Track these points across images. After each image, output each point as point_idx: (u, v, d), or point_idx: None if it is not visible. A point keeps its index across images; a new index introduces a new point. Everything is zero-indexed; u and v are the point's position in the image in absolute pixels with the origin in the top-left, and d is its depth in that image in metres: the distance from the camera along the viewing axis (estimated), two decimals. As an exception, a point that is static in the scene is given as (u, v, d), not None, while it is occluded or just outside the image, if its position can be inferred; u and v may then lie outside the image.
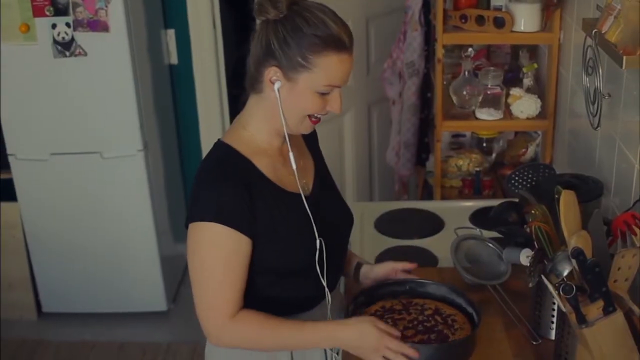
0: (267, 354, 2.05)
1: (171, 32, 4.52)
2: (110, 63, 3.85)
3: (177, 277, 4.64)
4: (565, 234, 1.82)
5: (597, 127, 2.48)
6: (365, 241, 2.85)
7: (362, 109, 4.49)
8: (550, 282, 1.81)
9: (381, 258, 2.78)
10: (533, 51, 3.77)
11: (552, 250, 1.91)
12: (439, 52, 3.47)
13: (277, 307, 1.96)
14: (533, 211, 1.98)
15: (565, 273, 1.81)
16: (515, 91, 3.48)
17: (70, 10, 3.70)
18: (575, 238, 1.77)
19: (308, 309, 2.06)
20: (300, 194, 1.97)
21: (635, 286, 1.92)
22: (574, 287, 1.73)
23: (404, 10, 4.05)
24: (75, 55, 3.79)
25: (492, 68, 3.59)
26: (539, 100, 3.45)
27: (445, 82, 3.63)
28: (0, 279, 4.27)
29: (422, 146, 4.33)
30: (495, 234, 2.31)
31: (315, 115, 1.90)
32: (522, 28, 3.32)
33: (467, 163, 3.74)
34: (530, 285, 1.98)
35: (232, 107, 4.77)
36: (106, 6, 3.70)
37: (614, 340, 1.76)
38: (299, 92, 1.85)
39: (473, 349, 2.00)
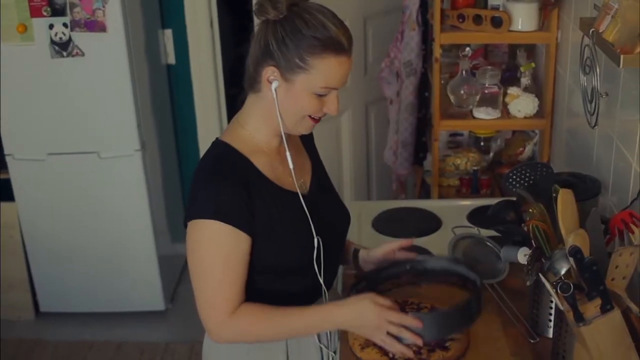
0: (265, 354, 2.05)
1: (168, 32, 4.52)
2: (107, 63, 3.85)
3: (175, 276, 4.64)
4: (563, 232, 1.82)
5: (594, 126, 2.48)
6: (362, 240, 2.84)
7: (359, 108, 4.50)
8: (548, 281, 1.81)
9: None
10: (530, 50, 3.77)
11: (549, 249, 1.91)
12: (437, 51, 3.47)
13: (275, 305, 1.97)
14: (531, 210, 1.98)
15: (563, 271, 1.81)
16: (512, 90, 3.48)
17: (68, 11, 3.70)
18: (573, 236, 1.77)
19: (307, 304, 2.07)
20: (297, 193, 1.97)
21: (633, 284, 1.92)
22: (572, 285, 1.73)
23: (402, 10, 4.05)
24: (73, 56, 3.79)
25: (489, 67, 3.59)
26: (536, 100, 3.45)
27: (442, 82, 3.63)
28: (-2, 279, 4.28)
29: (420, 145, 4.33)
30: (493, 233, 2.31)
31: (313, 116, 1.91)
32: (519, 27, 3.33)
33: (464, 162, 3.74)
34: (528, 283, 1.98)
35: (229, 106, 4.77)
36: (103, 6, 3.70)
37: (612, 338, 1.77)
38: (296, 93, 1.86)
39: (479, 313, 1.98)
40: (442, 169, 3.77)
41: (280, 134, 1.95)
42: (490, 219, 2.28)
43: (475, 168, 3.71)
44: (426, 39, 4.05)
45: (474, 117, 3.51)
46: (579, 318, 1.74)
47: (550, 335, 2.06)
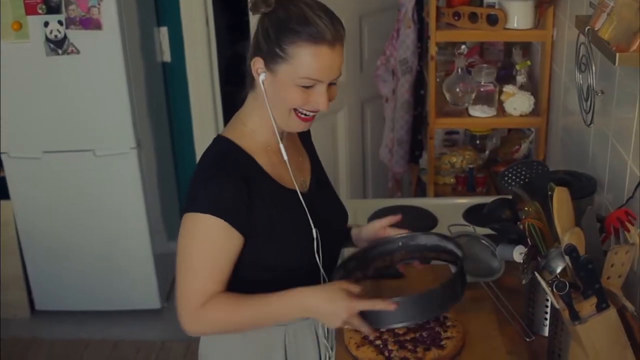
0: (261, 351, 2.05)
1: (164, 30, 4.51)
2: (103, 61, 3.85)
3: (170, 275, 4.63)
4: (559, 230, 1.82)
5: (590, 124, 2.48)
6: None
7: (355, 106, 4.49)
8: (544, 279, 1.81)
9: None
10: (526, 48, 3.77)
11: (545, 247, 1.91)
12: (432, 49, 3.47)
13: None
14: (526, 208, 1.98)
15: (559, 270, 1.81)
16: (508, 88, 3.49)
17: (63, 8, 3.70)
18: (569, 235, 1.77)
19: None
20: (297, 192, 1.98)
21: (629, 283, 1.92)
22: (567, 284, 1.73)
23: (397, 8, 4.05)
24: (68, 53, 3.79)
25: (485, 65, 3.59)
26: (532, 98, 3.45)
27: (438, 80, 3.63)
28: (-7, 278, 4.27)
29: (416, 143, 4.33)
30: (488, 231, 2.31)
31: (301, 110, 1.89)
32: (515, 25, 3.33)
33: (460, 160, 3.74)
34: (524, 282, 1.98)
35: (225, 104, 4.76)
36: (98, 4, 3.69)
37: (607, 336, 1.77)
38: (280, 84, 1.86)
39: (462, 291, 1.94)
40: (438, 167, 3.77)
41: (280, 131, 1.96)
42: (486, 217, 2.28)
43: (471, 166, 3.71)
44: (422, 37, 4.05)
45: (469, 115, 3.51)
46: (575, 316, 1.74)
47: (546, 334, 2.06)
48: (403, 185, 4.53)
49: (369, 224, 2.22)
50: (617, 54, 1.92)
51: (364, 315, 1.84)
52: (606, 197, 2.44)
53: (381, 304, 1.82)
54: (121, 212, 4.17)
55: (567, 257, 1.75)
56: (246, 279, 1.93)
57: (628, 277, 1.87)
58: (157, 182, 4.41)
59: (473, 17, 3.35)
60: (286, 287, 1.98)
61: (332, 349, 2.10)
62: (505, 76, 3.69)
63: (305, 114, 1.91)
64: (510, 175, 2.48)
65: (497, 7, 3.35)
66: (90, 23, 3.73)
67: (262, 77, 1.88)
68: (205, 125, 4.72)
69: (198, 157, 4.72)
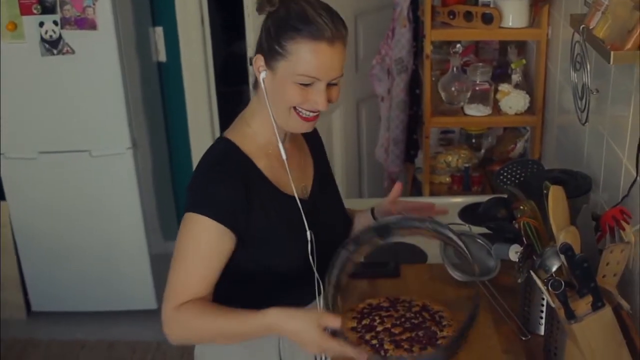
0: (256, 353, 2.05)
1: (159, 30, 4.51)
2: (98, 61, 3.85)
3: (166, 275, 4.61)
4: (554, 229, 1.82)
5: (585, 123, 2.48)
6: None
7: (350, 105, 4.49)
8: (539, 278, 1.82)
9: (371, 254, 2.78)
10: (521, 47, 3.77)
11: (540, 246, 1.91)
12: (427, 48, 3.47)
13: (272, 304, 1.97)
14: (522, 207, 1.98)
15: (554, 268, 1.81)
16: (503, 87, 3.49)
17: (58, 8, 3.70)
18: (564, 233, 1.77)
19: (303, 305, 2.07)
20: (296, 198, 1.97)
21: (624, 281, 1.92)
22: (563, 282, 1.73)
23: (392, 7, 4.05)
24: (63, 54, 3.79)
25: (480, 64, 3.59)
26: (527, 96, 3.46)
27: (433, 79, 3.63)
28: (-11, 279, 4.27)
29: (411, 142, 4.33)
30: (484, 230, 2.31)
31: (300, 109, 1.88)
32: (510, 24, 3.33)
33: (456, 159, 3.75)
34: (519, 281, 1.98)
35: (220, 104, 4.76)
36: (93, 4, 3.69)
37: (603, 335, 1.77)
38: (279, 81, 1.86)
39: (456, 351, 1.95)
40: (434, 166, 3.78)
41: (282, 133, 1.96)
42: (482, 216, 2.29)
43: (466, 165, 3.71)
44: (417, 36, 4.05)
45: (465, 114, 3.51)
46: (570, 315, 1.74)
47: (542, 333, 2.07)
48: (399, 184, 4.52)
49: (379, 205, 2.25)
50: (612, 53, 1.93)
51: None
52: (601, 196, 2.45)
53: (353, 351, 1.80)
54: (117, 213, 4.16)
55: (562, 256, 1.76)
56: (240, 279, 1.93)
57: (623, 276, 1.88)
58: (153, 182, 4.41)
59: (468, 15, 3.35)
60: (280, 289, 1.98)
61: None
62: (501, 75, 3.69)
63: (305, 114, 1.90)
64: (505, 174, 2.48)
65: (492, 5, 3.35)
66: (85, 23, 3.73)
67: (262, 75, 1.89)
68: (201, 125, 4.72)
69: (194, 156, 4.75)
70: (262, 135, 1.97)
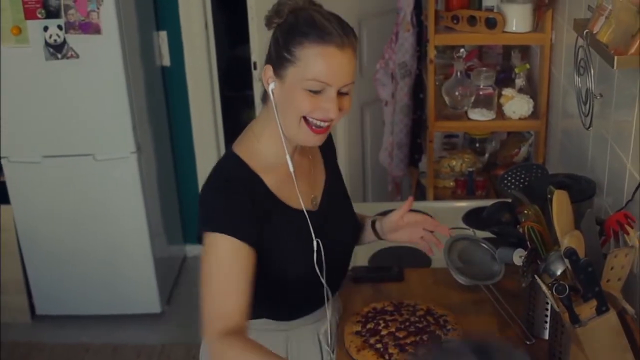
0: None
1: (163, 34, 4.52)
2: (102, 65, 3.85)
3: (171, 278, 4.64)
4: (558, 233, 1.82)
5: (589, 127, 2.48)
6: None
7: (354, 109, 4.50)
8: (544, 282, 1.82)
9: (375, 259, 2.79)
10: (525, 52, 3.78)
11: (545, 250, 1.91)
12: (431, 52, 3.48)
13: (281, 310, 1.97)
14: (526, 211, 1.98)
15: (559, 273, 1.81)
16: (507, 91, 3.49)
17: (62, 13, 3.70)
18: (568, 238, 1.77)
19: (309, 312, 2.08)
20: (305, 211, 1.96)
21: (628, 285, 1.92)
22: (567, 286, 1.73)
23: (396, 12, 4.05)
24: (67, 58, 3.79)
25: (484, 68, 3.59)
26: (531, 101, 3.46)
27: (437, 83, 3.63)
28: (-7, 282, 4.27)
29: (415, 147, 4.33)
30: (488, 234, 2.31)
31: (311, 120, 1.84)
32: (513, 28, 3.33)
33: (459, 163, 3.75)
34: (524, 285, 1.98)
35: (224, 108, 4.77)
36: (98, 8, 3.69)
37: (607, 339, 1.77)
38: (288, 89, 1.82)
39: None
40: (438, 171, 3.78)
41: (292, 146, 1.93)
42: (486, 221, 2.29)
43: (470, 169, 3.71)
44: (420, 41, 4.06)
45: (468, 119, 3.51)
46: (575, 319, 1.74)
47: (546, 337, 2.07)
48: (403, 188, 4.53)
49: (388, 216, 2.22)
50: (616, 57, 1.93)
51: None
52: (605, 200, 2.45)
53: None
54: (121, 216, 4.17)
55: (566, 260, 1.76)
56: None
57: (628, 280, 1.87)
58: (157, 186, 4.42)
59: (472, 20, 3.35)
60: (287, 297, 1.99)
61: (333, 352, 2.11)
62: (504, 79, 3.69)
63: (316, 125, 1.85)
64: (509, 178, 2.48)
65: (495, 10, 3.36)
66: (89, 27, 3.73)
67: (271, 86, 1.86)
68: (204, 129, 4.73)
69: (198, 160, 4.76)
70: (272, 149, 1.93)
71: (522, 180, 2.46)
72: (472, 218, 2.45)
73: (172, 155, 4.78)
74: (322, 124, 1.85)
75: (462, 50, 3.53)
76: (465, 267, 2.26)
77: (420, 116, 4.25)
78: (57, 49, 3.77)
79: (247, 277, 1.83)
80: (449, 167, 3.77)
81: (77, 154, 4.02)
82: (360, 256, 2.72)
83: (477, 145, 3.89)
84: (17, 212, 4.16)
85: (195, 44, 4.53)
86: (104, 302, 4.34)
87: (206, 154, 4.79)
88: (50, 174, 4.06)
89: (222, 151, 4.81)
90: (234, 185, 1.87)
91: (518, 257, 2.05)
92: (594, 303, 1.74)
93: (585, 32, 2.18)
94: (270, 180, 1.92)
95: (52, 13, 3.71)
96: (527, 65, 3.60)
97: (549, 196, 1.90)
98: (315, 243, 1.95)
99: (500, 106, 3.49)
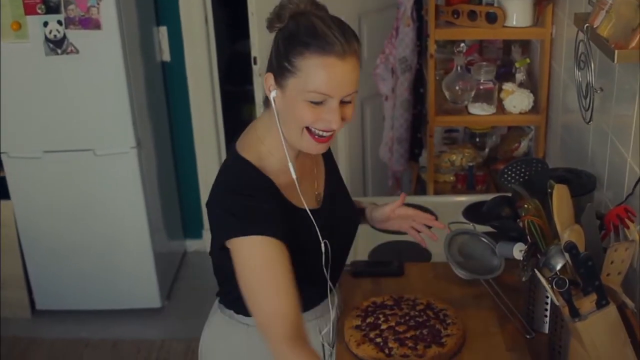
0: (264, 350, 2.05)
1: (163, 30, 4.52)
2: (102, 61, 3.85)
3: (171, 273, 4.64)
4: (558, 227, 1.82)
5: (589, 122, 2.48)
6: (359, 236, 2.82)
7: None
8: (544, 276, 1.82)
9: (375, 253, 2.79)
10: (525, 46, 3.77)
11: (545, 244, 1.92)
12: (431, 47, 3.47)
13: None
14: (526, 205, 1.99)
15: (559, 267, 1.81)
16: (507, 86, 3.49)
17: (62, 8, 3.70)
18: (568, 232, 1.77)
19: (312, 307, 2.09)
20: (312, 209, 1.96)
21: (628, 279, 1.92)
22: (567, 280, 1.73)
23: (396, 6, 4.05)
24: (67, 53, 3.79)
25: (484, 63, 3.59)
26: (531, 95, 3.46)
27: (437, 78, 3.63)
28: (-6, 277, 4.27)
29: (415, 141, 4.33)
30: (488, 229, 2.31)
31: (313, 130, 1.83)
32: (514, 23, 3.33)
33: (460, 158, 3.75)
34: (524, 279, 1.98)
35: (224, 103, 4.77)
36: (98, 4, 3.69)
37: (607, 333, 1.77)
38: (289, 100, 1.80)
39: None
40: (438, 165, 3.78)
41: (294, 148, 1.91)
42: (486, 215, 2.29)
43: (470, 164, 3.71)
44: (421, 35, 4.05)
45: (469, 113, 3.51)
46: (575, 313, 1.74)
47: (546, 331, 2.07)
48: (403, 183, 4.53)
49: (380, 207, 2.27)
50: (616, 51, 1.92)
51: None
52: (606, 194, 2.45)
53: None
54: (121, 212, 4.17)
55: (567, 254, 1.76)
56: None
57: (628, 274, 1.88)
58: (157, 181, 4.42)
59: (472, 15, 3.35)
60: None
61: (333, 347, 2.11)
62: (505, 74, 3.69)
63: (319, 135, 1.84)
64: (509, 172, 2.48)
65: (496, 5, 3.35)
66: (89, 23, 3.73)
67: (273, 94, 1.83)
68: (205, 124, 4.73)
69: (198, 156, 4.75)
70: (276, 153, 1.92)
71: (522, 175, 2.46)
72: (472, 212, 2.46)
73: (172, 151, 4.78)
74: (325, 133, 1.84)
75: (462, 44, 3.52)
76: (466, 261, 2.26)
77: (420, 111, 4.24)
78: (57, 45, 3.77)
79: (291, 274, 1.81)
80: (449, 162, 3.77)
81: (77, 149, 4.02)
82: (361, 250, 2.72)
83: (478, 139, 3.89)
84: (18, 207, 4.16)
85: (196, 39, 4.53)
86: (104, 297, 4.35)
87: (206, 149, 4.79)
88: (50, 169, 4.06)
89: (223, 146, 4.81)
90: (254, 188, 1.86)
91: (518, 251, 2.06)
92: (594, 297, 1.74)
93: (585, 27, 2.18)
94: (279, 182, 1.92)
95: (51, 8, 3.70)
96: (528, 60, 3.59)
97: (549, 190, 1.90)
98: (322, 246, 1.94)
99: (500, 101, 3.49)
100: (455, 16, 3.40)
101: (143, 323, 4.33)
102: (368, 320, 2.11)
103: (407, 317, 2.10)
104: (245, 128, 2.02)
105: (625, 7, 1.96)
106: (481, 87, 3.47)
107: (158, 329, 4.28)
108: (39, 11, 3.71)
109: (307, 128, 1.83)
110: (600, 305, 1.75)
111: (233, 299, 2.05)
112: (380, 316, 2.12)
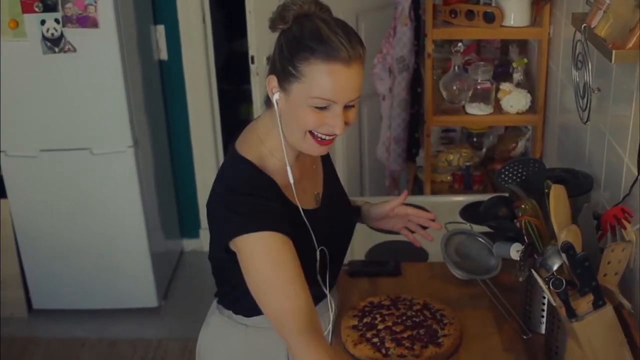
0: (261, 350, 2.05)
1: (161, 28, 4.51)
2: (99, 59, 3.85)
3: (167, 273, 4.64)
4: (555, 228, 1.82)
5: (586, 122, 2.48)
6: (356, 236, 2.82)
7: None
8: (540, 277, 1.82)
9: (372, 253, 2.79)
10: (523, 46, 3.77)
11: (542, 245, 1.92)
12: (429, 47, 3.47)
13: None
14: (523, 205, 1.99)
15: (555, 267, 1.81)
16: (505, 86, 3.49)
17: (59, 7, 3.69)
18: (565, 232, 1.77)
19: None
20: (311, 209, 1.96)
21: (625, 280, 1.92)
22: (564, 281, 1.73)
23: (394, 6, 4.05)
24: (65, 52, 3.78)
25: (482, 63, 3.59)
26: (528, 95, 3.46)
27: (435, 77, 3.63)
28: (-10, 276, 4.27)
29: (413, 141, 4.33)
30: (485, 229, 2.31)
31: (316, 133, 1.83)
32: (511, 23, 3.33)
33: (457, 158, 3.75)
34: (521, 279, 1.98)
35: (222, 102, 4.77)
36: (95, 2, 3.68)
37: (604, 334, 1.77)
38: (293, 105, 1.79)
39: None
40: (435, 165, 3.78)
41: (295, 149, 1.91)
42: (483, 215, 2.29)
43: (467, 164, 3.71)
44: (418, 35, 4.05)
45: (466, 113, 3.51)
46: (572, 314, 1.74)
47: (543, 331, 2.07)
48: (400, 183, 4.53)
49: (379, 205, 2.25)
50: (614, 51, 1.92)
51: None
52: (603, 195, 2.45)
53: None
54: (118, 211, 4.16)
55: (563, 255, 1.76)
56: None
57: (624, 275, 1.88)
58: (155, 180, 4.41)
59: (470, 14, 3.35)
60: None
61: (328, 332, 2.10)
62: (502, 74, 3.69)
63: (321, 138, 1.84)
64: (507, 172, 2.48)
65: (493, 4, 3.35)
66: (87, 21, 3.72)
67: (276, 96, 1.82)
68: (202, 123, 4.73)
69: (195, 154, 4.75)
70: (277, 153, 1.91)
71: (519, 175, 2.46)
72: (469, 212, 2.45)
73: (169, 150, 4.78)
74: (328, 137, 1.84)
75: (459, 44, 3.53)
76: (463, 261, 2.26)
77: (417, 110, 4.24)
78: (54, 43, 3.76)
79: (300, 269, 1.80)
80: (446, 162, 3.77)
81: (74, 148, 4.02)
82: (357, 250, 2.72)
83: (475, 139, 3.89)
84: (14, 206, 4.16)
85: (193, 38, 4.53)
86: (100, 296, 4.34)
87: (203, 148, 4.79)
88: (47, 168, 4.06)
89: (220, 145, 4.81)
90: (256, 187, 1.85)
91: (515, 251, 2.05)
92: (590, 297, 1.74)
93: (583, 27, 2.17)
94: (280, 182, 1.91)
95: (49, 7, 3.70)
96: (525, 60, 3.59)
97: (546, 190, 1.90)
98: (318, 253, 1.93)
99: (497, 100, 3.49)
100: (453, 16, 3.40)
101: (140, 322, 4.33)
102: (365, 320, 2.11)
103: (404, 317, 2.10)
104: (243, 127, 2.01)
105: (623, 7, 1.96)
106: (478, 86, 3.47)
107: (155, 329, 4.27)
108: (37, 9, 3.70)
109: (310, 132, 1.83)
110: (597, 305, 1.75)
111: (232, 300, 2.05)
112: (377, 316, 2.12)
